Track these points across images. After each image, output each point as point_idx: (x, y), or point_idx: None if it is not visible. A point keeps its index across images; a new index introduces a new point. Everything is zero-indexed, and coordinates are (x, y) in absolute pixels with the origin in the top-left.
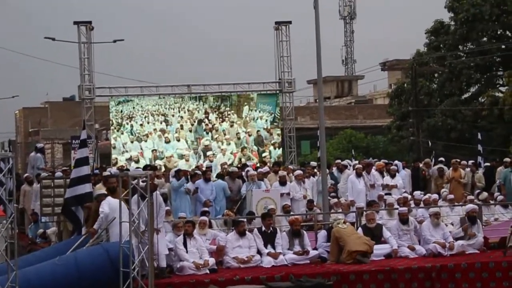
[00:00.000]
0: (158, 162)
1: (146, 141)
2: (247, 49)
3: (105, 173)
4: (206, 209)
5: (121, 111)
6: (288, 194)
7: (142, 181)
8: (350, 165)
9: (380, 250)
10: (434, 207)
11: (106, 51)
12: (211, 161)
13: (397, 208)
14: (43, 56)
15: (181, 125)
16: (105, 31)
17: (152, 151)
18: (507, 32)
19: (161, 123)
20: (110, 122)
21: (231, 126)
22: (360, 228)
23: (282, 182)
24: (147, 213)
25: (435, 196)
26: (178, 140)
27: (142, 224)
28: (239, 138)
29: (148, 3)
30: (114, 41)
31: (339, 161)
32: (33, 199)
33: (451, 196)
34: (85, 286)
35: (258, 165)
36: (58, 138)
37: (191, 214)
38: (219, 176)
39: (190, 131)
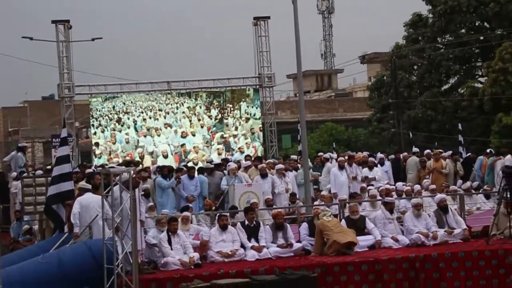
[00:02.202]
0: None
1: (159, 135)
2: (226, 44)
3: (88, 170)
4: (189, 204)
5: (113, 107)
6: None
7: (124, 178)
8: (331, 158)
9: (363, 241)
10: (416, 197)
11: (85, 49)
12: (232, 155)
13: (380, 200)
14: (22, 56)
15: (190, 120)
16: (83, 29)
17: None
18: (485, 24)
19: (164, 117)
20: (94, 119)
21: (247, 121)
22: (343, 220)
23: (263, 175)
24: (130, 208)
25: (417, 186)
26: (194, 135)
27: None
28: (253, 133)
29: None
30: (93, 39)
31: (320, 154)
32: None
33: (433, 186)
34: (69, 284)
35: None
36: (38, 137)
37: (174, 210)
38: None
39: (202, 126)
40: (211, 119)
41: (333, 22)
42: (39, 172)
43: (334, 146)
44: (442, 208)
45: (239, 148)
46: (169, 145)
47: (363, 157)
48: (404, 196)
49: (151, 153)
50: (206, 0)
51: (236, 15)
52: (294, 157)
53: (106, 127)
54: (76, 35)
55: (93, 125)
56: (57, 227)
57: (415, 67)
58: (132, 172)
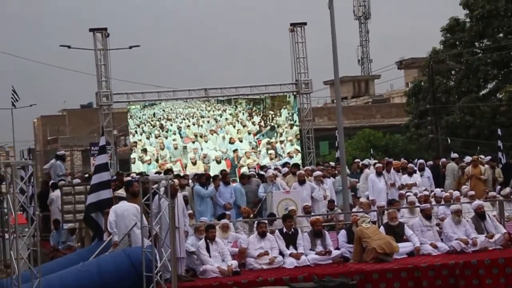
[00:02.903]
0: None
1: (206, 141)
2: (263, 51)
3: (127, 178)
4: (226, 212)
5: (154, 114)
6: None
7: (163, 185)
8: (369, 164)
9: (402, 248)
10: (455, 204)
11: (122, 57)
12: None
13: (418, 206)
14: (60, 64)
15: (234, 126)
16: (120, 37)
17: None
18: None
19: (208, 122)
20: (136, 126)
21: (291, 127)
22: (382, 227)
23: (301, 182)
24: (168, 217)
25: (456, 193)
26: (241, 141)
27: (163, 228)
28: (298, 139)
29: (162, 7)
30: (130, 47)
31: (357, 160)
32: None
33: (472, 193)
34: None
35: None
36: (77, 145)
37: (212, 218)
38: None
39: (249, 133)
40: (254, 125)
41: (369, 27)
42: (77, 180)
43: (371, 152)
44: (480, 215)
45: (288, 153)
46: (216, 151)
47: (402, 163)
48: (443, 202)
49: (204, 157)
50: (243, 8)
51: (272, 21)
52: (331, 163)
53: (150, 133)
54: (113, 43)
55: (135, 131)
56: (96, 235)
57: (453, 72)
58: (170, 180)
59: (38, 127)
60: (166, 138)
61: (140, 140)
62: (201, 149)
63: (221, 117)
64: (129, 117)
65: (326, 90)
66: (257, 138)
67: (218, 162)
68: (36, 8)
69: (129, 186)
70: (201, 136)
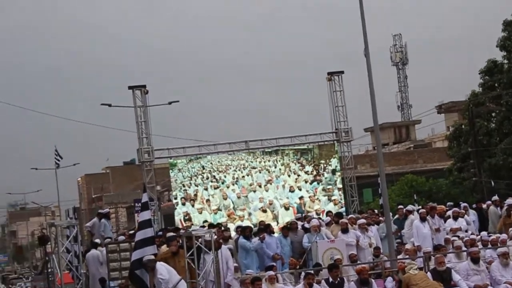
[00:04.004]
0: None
1: (267, 190)
2: (301, 100)
3: (169, 234)
4: (273, 263)
5: (203, 167)
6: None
7: (206, 239)
8: (414, 210)
9: None
10: (502, 247)
11: (163, 112)
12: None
13: (465, 250)
14: (101, 123)
15: (289, 175)
16: (159, 92)
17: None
18: None
19: (260, 173)
20: (188, 178)
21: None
22: (429, 273)
23: (344, 230)
24: (214, 270)
25: (504, 236)
26: (300, 189)
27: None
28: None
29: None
30: (170, 103)
31: (401, 207)
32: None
33: None
34: None
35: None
36: (121, 202)
37: (258, 270)
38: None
39: (306, 181)
40: (308, 174)
41: (407, 72)
42: (122, 237)
43: (415, 198)
44: None
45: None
46: (277, 199)
47: (446, 209)
48: (489, 246)
49: (270, 204)
50: (278, 55)
51: (310, 70)
52: (375, 210)
53: (207, 185)
54: (153, 99)
55: (189, 184)
56: None
57: (493, 114)
58: (213, 233)
59: (83, 185)
60: (228, 187)
61: (196, 192)
62: (252, 199)
63: (275, 167)
64: (177, 170)
65: (367, 137)
66: (313, 187)
67: (287, 209)
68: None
69: (169, 242)
70: (259, 186)
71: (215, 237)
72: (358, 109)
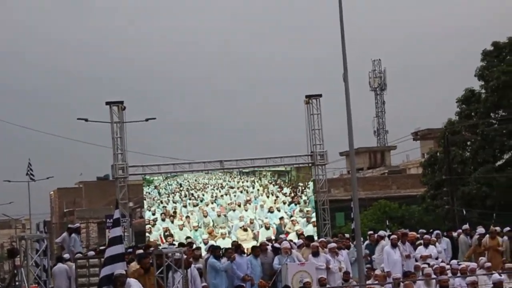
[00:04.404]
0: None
1: (246, 210)
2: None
3: (138, 251)
4: (243, 284)
5: (180, 185)
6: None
7: (176, 258)
8: (385, 236)
9: None
10: (471, 275)
11: (138, 128)
12: None
13: (435, 278)
14: (77, 137)
15: (268, 196)
16: (136, 108)
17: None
18: None
19: (241, 192)
20: (165, 195)
21: None
22: None
23: (315, 253)
24: None
25: (473, 265)
26: (279, 210)
27: None
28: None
29: (177, 78)
30: (146, 120)
31: (371, 232)
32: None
33: (489, 264)
34: None
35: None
36: (93, 217)
37: None
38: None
39: (284, 203)
40: (286, 196)
41: (385, 98)
42: (92, 253)
43: (387, 223)
44: None
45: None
46: (256, 219)
47: (415, 236)
48: (459, 274)
49: (251, 223)
50: (256, 78)
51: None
52: (346, 235)
53: (186, 202)
54: (129, 115)
55: (167, 201)
56: None
57: (469, 143)
58: (184, 252)
59: (55, 199)
60: (207, 205)
61: (175, 209)
62: (242, 217)
63: (253, 188)
64: (153, 187)
65: (342, 161)
66: (291, 208)
67: (267, 229)
68: (52, 81)
69: (140, 260)
70: (239, 205)
71: (185, 256)
72: (334, 132)
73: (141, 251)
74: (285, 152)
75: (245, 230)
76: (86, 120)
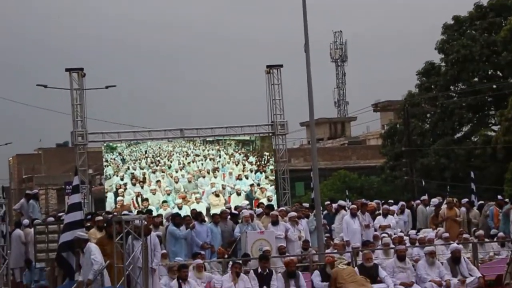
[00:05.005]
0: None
1: (216, 177)
2: (239, 92)
3: (98, 218)
4: (201, 251)
5: (145, 152)
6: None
7: (136, 225)
8: (345, 205)
9: None
10: (429, 245)
11: (99, 96)
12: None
13: (393, 247)
14: (36, 103)
15: (236, 164)
16: (97, 75)
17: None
18: (498, 72)
19: (207, 160)
20: (131, 162)
21: None
22: (356, 268)
23: (274, 222)
24: (142, 256)
25: (431, 235)
26: (247, 178)
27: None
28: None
29: (137, 45)
30: (106, 87)
31: (328, 203)
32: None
33: (447, 235)
34: None
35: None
36: (52, 184)
37: (186, 258)
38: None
39: (251, 171)
40: (252, 165)
41: (346, 70)
42: (51, 219)
43: (347, 193)
44: (455, 258)
45: (268, 197)
46: (224, 186)
47: (375, 206)
48: (417, 244)
49: (223, 188)
50: (219, 47)
51: (249, 63)
52: (306, 204)
53: (154, 169)
54: (90, 82)
55: (133, 167)
56: (67, 275)
57: (428, 115)
58: (143, 219)
59: (13, 165)
60: (176, 172)
61: (145, 175)
62: (212, 183)
63: (219, 157)
64: (117, 154)
65: (303, 132)
66: (257, 177)
67: (238, 194)
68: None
69: (107, 226)
70: (208, 172)
71: (145, 222)
72: (295, 103)
73: (100, 217)
74: (246, 122)
75: (217, 196)
76: (46, 86)
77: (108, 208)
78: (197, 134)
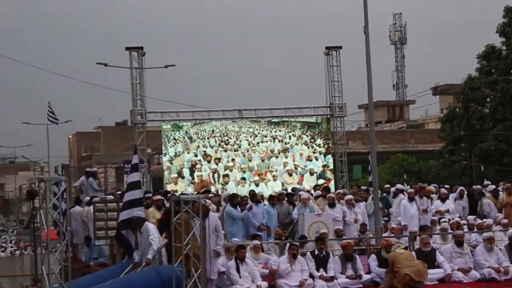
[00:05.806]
0: None
1: (286, 157)
2: (297, 74)
3: (156, 197)
4: (259, 233)
5: (212, 131)
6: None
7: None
8: (404, 189)
9: (433, 274)
10: (488, 231)
11: (158, 76)
12: None
13: (451, 232)
14: (96, 82)
15: (307, 146)
16: (156, 56)
17: None
18: None
19: (274, 140)
20: (200, 139)
21: None
22: (413, 252)
23: (331, 204)
24: (200, 236)
25: (490, 220)
26: (317, 159)
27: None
28: None
29: (197, 29)
30: (166, 66)
31: (388, 186)
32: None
33: (505, 221)
34: None
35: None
36: (111, 162)
37: (243, 238)
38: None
39: (321, 153)
40: (320, 147)
41: (405, 52)
42: (110, 197)
43: (404, 177)
44: None
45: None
46: (297, 166)
47: (432, 189)
48: (475, 230)
49: (296, 168)
50: (279, 30)
51: (308, 45)
52: (363, 187)
53: (225, 148)
54: (149, 62)
55: (204, 145)
56: (126, 253)
57: (488, 99)
58: (202, 199)
59: (73, 143)
60: (248, 151)
61: (217, 152)
62: (283, 164)
63: (290, 138)
64: (184, 132)
65: (361, 114)
66: (328, 159)
67: (311, 174)
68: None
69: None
70: (278, 152)
71: (204, 203)
72: (354, 85)
73: (159, 197)
74: (303, 103)
75: (290, 175)
76: (106, 65)
77: (183, 185)
78: (255, 115)
